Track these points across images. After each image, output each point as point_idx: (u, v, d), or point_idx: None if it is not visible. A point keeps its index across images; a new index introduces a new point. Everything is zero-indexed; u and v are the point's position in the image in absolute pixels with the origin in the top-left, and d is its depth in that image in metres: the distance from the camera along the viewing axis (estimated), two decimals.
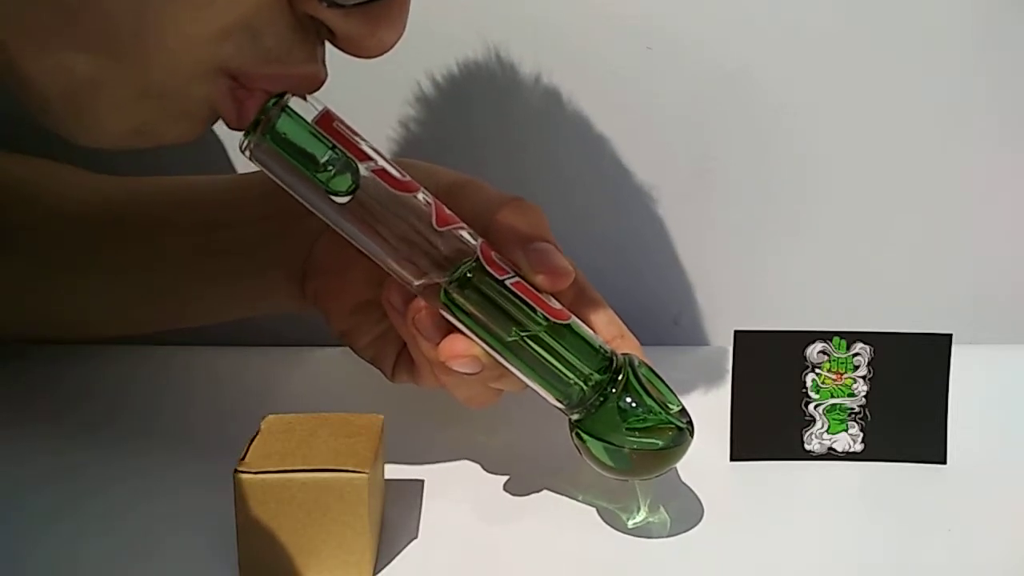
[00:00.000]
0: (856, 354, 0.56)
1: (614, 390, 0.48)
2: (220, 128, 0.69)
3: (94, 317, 0.62)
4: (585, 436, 0.48)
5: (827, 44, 0.68)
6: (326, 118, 0.45)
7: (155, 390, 0.64)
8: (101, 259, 0.59)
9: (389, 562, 0.48)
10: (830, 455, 0.57)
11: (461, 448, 0.57)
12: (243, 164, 0.69)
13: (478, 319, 0.47)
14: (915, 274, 0.72)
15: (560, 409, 0.49)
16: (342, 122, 0.45)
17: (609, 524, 0.51)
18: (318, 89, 0.47)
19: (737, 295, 0.73)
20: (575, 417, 0.49)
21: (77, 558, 0.48)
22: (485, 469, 0.55)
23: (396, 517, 0.51)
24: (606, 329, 0.53)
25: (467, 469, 0.55)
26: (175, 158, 0.64)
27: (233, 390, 0.64)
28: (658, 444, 0.48)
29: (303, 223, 0.54)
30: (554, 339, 0.48)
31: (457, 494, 0.53)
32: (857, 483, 0.56)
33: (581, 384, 0.48)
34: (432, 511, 0.52)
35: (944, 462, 0.56)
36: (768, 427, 0.56)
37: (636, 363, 0.49)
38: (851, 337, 0.55)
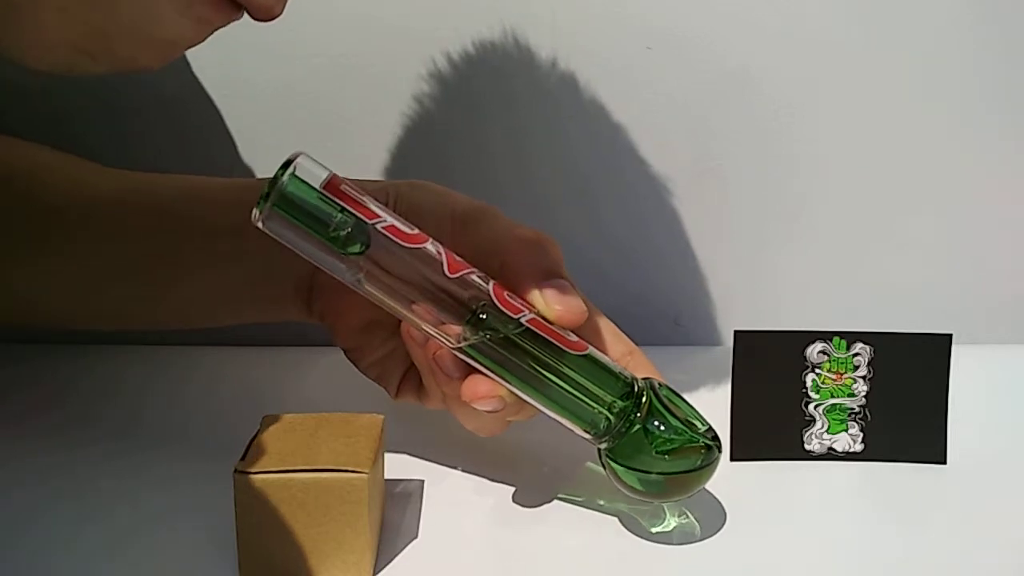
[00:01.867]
0: (856, 354, 0.56)
1: (638, 414, 0.48)
2: (231, 123, 0.69)
3: (98, 312, 0.61)
4: (615, 464, 0.49)
5: (829, 44, 0.68)
6: (333, 182, 0.45)
7: (155, 390, 0.64)
8: (103, 254, 0.59)
9: (389, 562, 0.48)
10: (830, 455, 0.57)
11: (461, 448, 0.57)
12: (248, 154, 0.70)
13: (497, 359, 0.47)
14: (915, 274, 0.72)
15: (587, 440, 0.49)
16: (349, 184, 0.46)
17: (619, 526, 0.52)
18: (268, 21, 0.45)
19: (737, 295, 0.73)
20: (603, 446, 0.49)
21: (77, 558, 0.48)
22: (486, 469, 0.55)
23: (396, 517, 0.51)
24: (614, 347, 0.53)
25: (468, 469, 0.55)
26: (176, 154, 0.65)
27: (233, 390, 0.64)
28: (688, 465, 0.48)
29: None
30: (574, 371, 0.48)
31: (457, 494, 0.53)
32: (857, 483, 0.56)
33: (606, 413, 0.48)
34: (432, 511, 0.52)
35: (944, 462, 0.56)
36: (768, 427, 0.56)
37: (657, 385, 0.50)
38: (851, 337, 0.55)
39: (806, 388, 0.56)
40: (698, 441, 0.49)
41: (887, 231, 0.72)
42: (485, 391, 0.48)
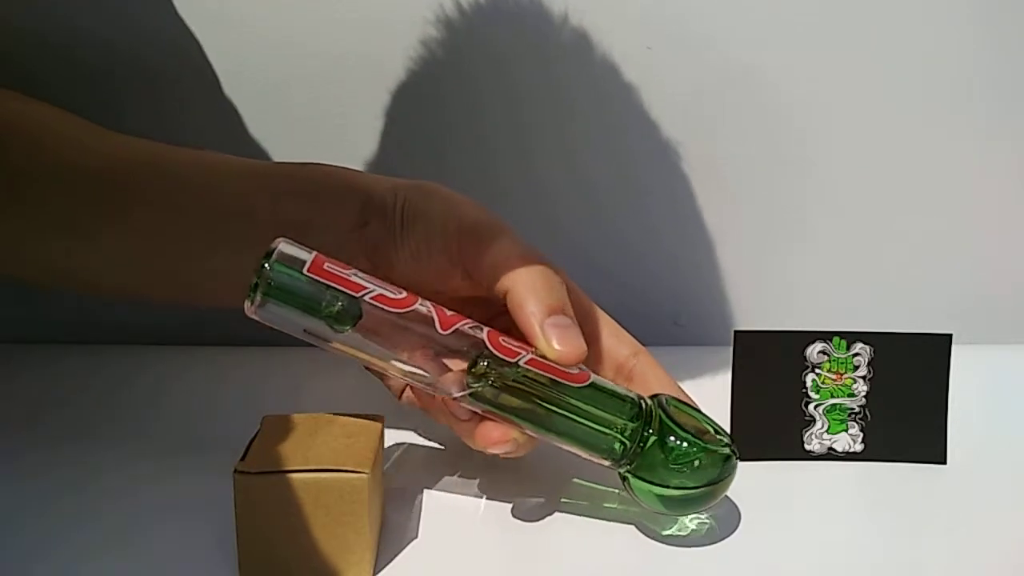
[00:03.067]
0: (856, 354, 0.56)
1: (650, 431, 0.48)
2: (230, 116, 0.69)
3: (115, 275, 0.58)
4: (636, 484, 0.49)
5: (831, 44, 0.68)
6: (317, 262, 0.47)
7: (155, 390, 0.64)
8: (102, 228, 0.56)
9: (389, 562, 0.48)
10: (830, 455, 0.57)
11: (462, 448, 0.56)
12: (255, 129, 0.69)
13: (503, 404, 0.48)
14: (915, 274, 0.72)
15: (607, 466, 0.50)
16: (333, 262, 0.47)
17: (622, 525, 0.52)
18: None
19: (737, 295, 0.73)
20: (623, 469, 0.49)
21: (76, 558, 0.48)
22: (486, 468, 0.55)
23: (396, 517, 0.51)
24: (619, 349, 0.53)
25: (468, 469, 0.55)
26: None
27: (233, 390, 0.64)
28: (708, 476, 0.49)
29: (320, 239, 0.54)
30: (581, 403, 0.48)
31: (457, 494, 0.53)
32: (857, 483, 0.56)
33: (619, 437, 0.49)
34: (432, 511, 0.52)
35: (944, 462, 0.56)
36: (768, 427, 0.56)
37: (665, 401, 0.50)
38: (851, 337, 0.55)
39: (806, 388, 0.56)
40: (714, 450, 0.49)
41: (887, 231, 0.72)
42: (498, 437, 0.49)
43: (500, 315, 0.51)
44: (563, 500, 0.53)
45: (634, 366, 0.53)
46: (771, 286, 0.73)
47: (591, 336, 0.54)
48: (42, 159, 0.57)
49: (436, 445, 0.57)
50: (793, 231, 0.72)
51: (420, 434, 0.58)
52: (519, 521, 0.52)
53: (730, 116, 0.69)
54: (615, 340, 0.54)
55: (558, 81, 0.68)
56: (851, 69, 0.69)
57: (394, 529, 0.50)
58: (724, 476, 0.49)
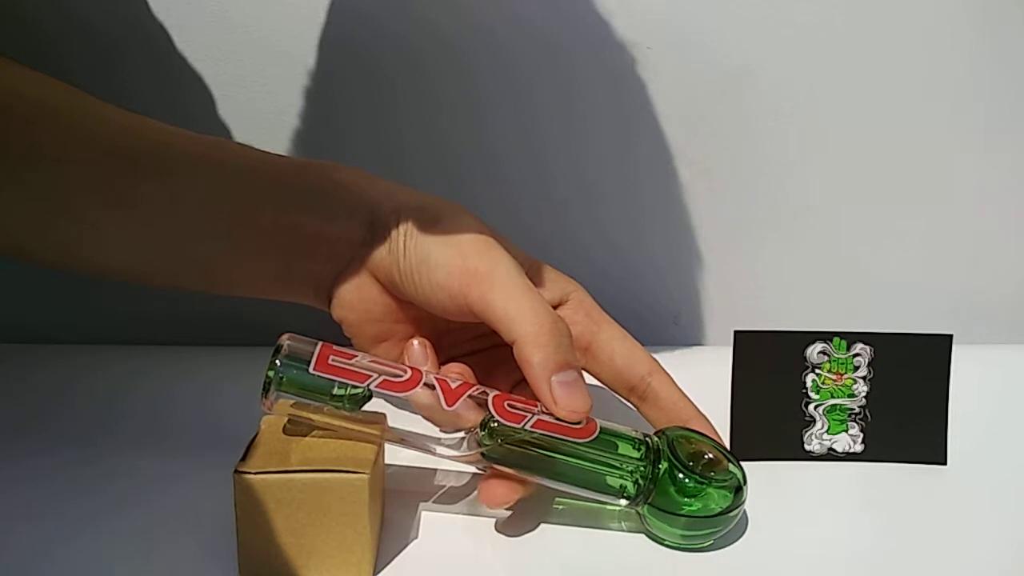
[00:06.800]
0: (856, 355, 0.56)
1: (662, 466, 0.49)
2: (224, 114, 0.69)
3: (116, 259, 0.56)
4: (652, 521, 0.50)
5: (827, 44, 0.68)
6: (322, 357, 0.48)
7: (155, 390, 0.64)
8: (133, 196, 0.54)
9: (389, 562, 0.48)
10: (830, 455, 0.57)
11: None
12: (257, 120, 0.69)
13: (516, 462, 0.49)
14: (915, 274, 0.72)
15: (624, 508, 0.51)
16: (337, 352, 0.48)
17: (621, 525, 0.52)
18: None
19: (737, 295, 0.73)
20: (639, 508, 0.50)
21: (76, 558, 0.48)
22: (487, 468, 0.55)
23: (396, 517, 0.51)
24: (631, 370, 0.54)
25: (468, 468, 0.55)
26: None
27: (233, 390, 0.63)
28: (720, 504, 0.49)
29: (329, 251, 0.54)
30: (591, 452, 0.49)
31: (458, 494, 0.53)
32: (857, 483, 0.56)
33: (630, 478, 0.49)
34: (432, 511, 0.52)
35: (944, 462, 0.56)
36: (768, 427, 0.56)
37: (670, 436, 0.51)
38: (851, 337, 0.55)
39: (806, 388, 0.56)
40: (723, 482, 0.49)
41: (887, 231, 0.72)
42: (502, 496, 0.49)
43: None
44: (564, 499, 0.53)
45: (648, 386, 0.53)
46: (770, 286, 0.73)
47: (604, 357, 0.54)
48: (35, 144, 0.53)
49: None
50: (794, 231, 0.72)
51: None
52: (519, 521, 0.52)
53: (732, 116, 0.69)
54: (629, 360, 0.54)
55: (562, 82, 0.68)
56: (852, 70, 0.69)
57: (394, 529, 0.50)
58: (736, 505, 0.49)
